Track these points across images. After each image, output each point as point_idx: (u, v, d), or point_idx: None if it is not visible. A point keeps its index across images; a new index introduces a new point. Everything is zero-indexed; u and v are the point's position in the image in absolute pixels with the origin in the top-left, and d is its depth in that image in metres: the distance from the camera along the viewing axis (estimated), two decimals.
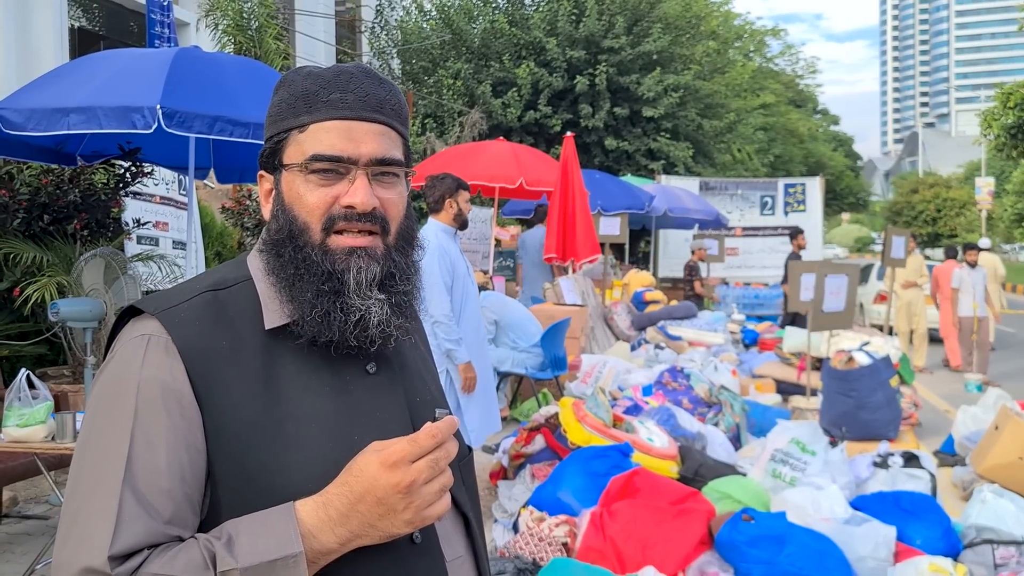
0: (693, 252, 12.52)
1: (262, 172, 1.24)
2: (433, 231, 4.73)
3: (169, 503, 1.04)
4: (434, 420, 1.07)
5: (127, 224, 6.55)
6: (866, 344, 6.11)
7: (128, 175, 6.12)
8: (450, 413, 1.10)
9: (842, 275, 6.00)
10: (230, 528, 1.03)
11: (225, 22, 10.93)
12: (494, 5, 20.04)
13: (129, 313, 1.16)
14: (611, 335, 9.57)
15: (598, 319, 9.40)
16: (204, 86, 4.53)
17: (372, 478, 1.02)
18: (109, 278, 5.13)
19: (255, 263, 1.21)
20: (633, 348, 8.63)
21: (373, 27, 19.67)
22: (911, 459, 4.48)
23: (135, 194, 6.62)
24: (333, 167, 1.16)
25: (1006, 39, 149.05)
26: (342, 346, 1.16)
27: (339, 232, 1.16)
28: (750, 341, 9.95)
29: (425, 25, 20.15)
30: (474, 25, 19.59)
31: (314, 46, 16.84)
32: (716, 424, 5.76)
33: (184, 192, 7.81)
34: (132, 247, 6.77)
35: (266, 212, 1.24)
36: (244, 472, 1.08)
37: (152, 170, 6.42)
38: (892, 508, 3.99)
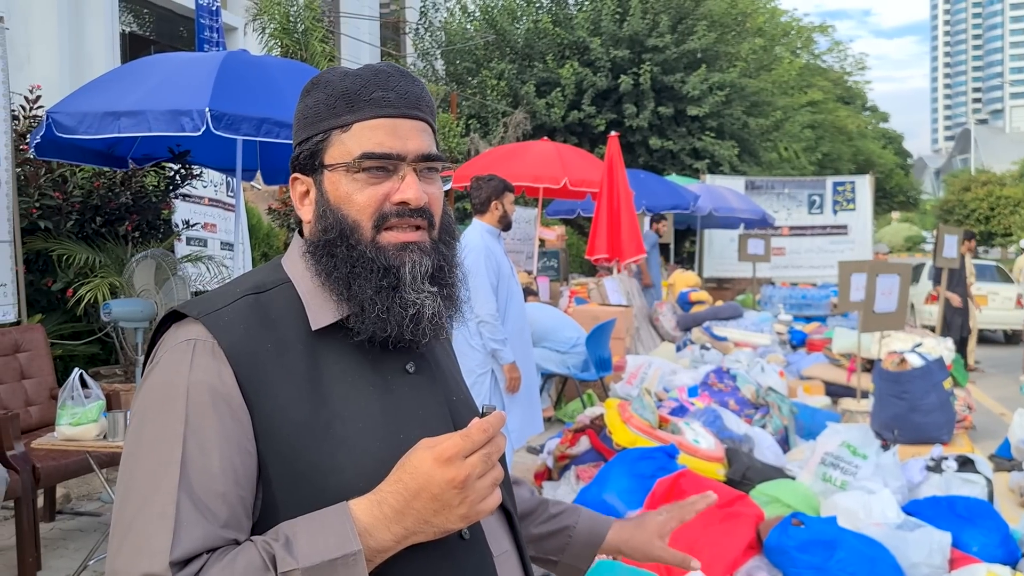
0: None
1: (296, 175, 1.24)
2: (478, 232, 4.72)
3: (224, 506, 1.04)
4: (481, 415, 1.07)
5: (177, 225, 6.66)
6: (919, 345, 5.98)
7: (178, 177, 6.23)
8: (496, 408, 1.10)
9: (894, 275, 5.89)
10: (286, 529, 1.03)
11: (272, 26, 11.07)
12: (538, 5, 20.02)
13: (171, 318, 1.17)
14: (656, 336, 9.49)
15: (643, 320, 9.33)
16: (251, 89, 4.58)
17: (426, 474, 1.02)
18: (159, 279, 5.22)
19: (295, 266, 1.21)
20: (678, 349, 8.55)
21: (417, 28, 19.77)
22: (966, 463, 4.36)
23: (184, 196, 6.73)
24: (382, 165, 1.16)
25: None
26: (391, 343, 1.16)
27: (389, 228, 1.17)
28: (797, 342, 9.80)
29: (469, 26, 20.20)
30: (518, 25, 19.59)
31: (358, 48, 16.97)
32: (763, 426, 5.68)
33: (232, 194, 7.92)
34: (181, 248, 6.88)
35: (303, 213, 1.23)
36: (296, 473, 1.08)
37: (201, 172, 6.51)
38: (947, 514, 3.89)
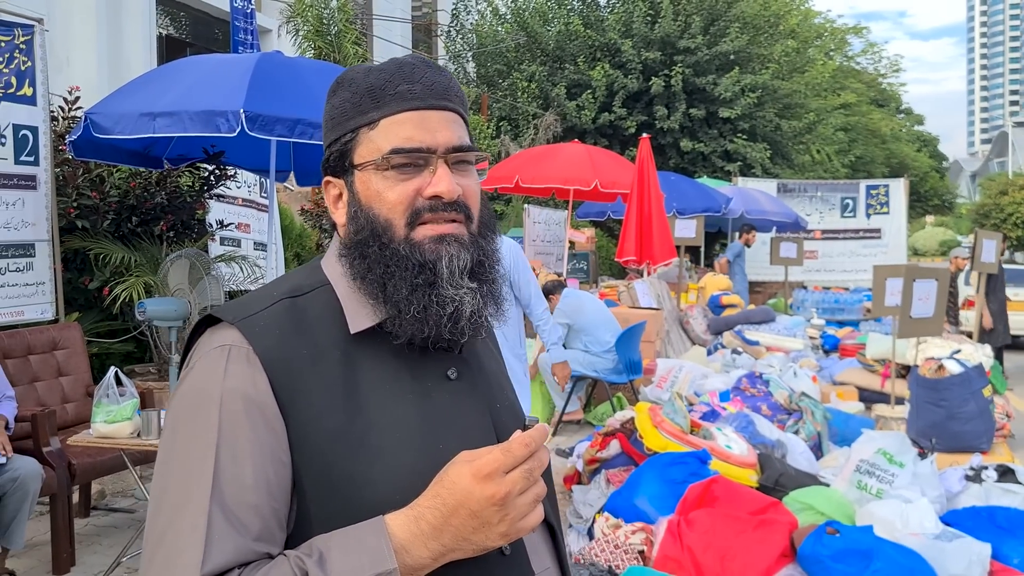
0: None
1: (329, 178, 1.20)
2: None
3: (257, 519, 1.01)
4: (524, 428, 1.03)
5: (211, 225, 6.72)
6: (957, 352, 5.88)
7: (212, 178, 6.28)
8: (539, 420, 1.06)
9: (931, 279, 5.79)
10: (320, 544, 1.00)
11: (306, 28, 11.14)
12: (569, 7, 19.98)
13: (206, 322, 1.14)
14: (687, 339, 9.43)
15: (673, 323, 9.27)
16: (285, 90, 4.60)
17: (465, 490, 0.98)
18: (194, 278, 5.26)
19: (333, 268, 1.18)
20: (709, 353, 8.48)
21: (449, 31, 19.82)
22: (1006, 473, 4.28)
23: (218, 196, 6.79)
24: (412, 160, 1.12)
25: None
26: (431, 345, 1.13)
27: (423, 223, 1.12)
28: (830, 347, 9.67)
29: (500, 28, 20.21)
30: (549, 28, 19.56)
31: (391, 50, 17.05)
32: (796, 432, 5.60)
33: (265, 194, 7.98)
34: (215, 248, 6.94)
35: (338, 217, 1.20)
36: (331, 485, 1.05)
37: (235, 173, 6.56)
38: (986, 524, 3.81)
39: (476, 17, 20.55)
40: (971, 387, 5.14)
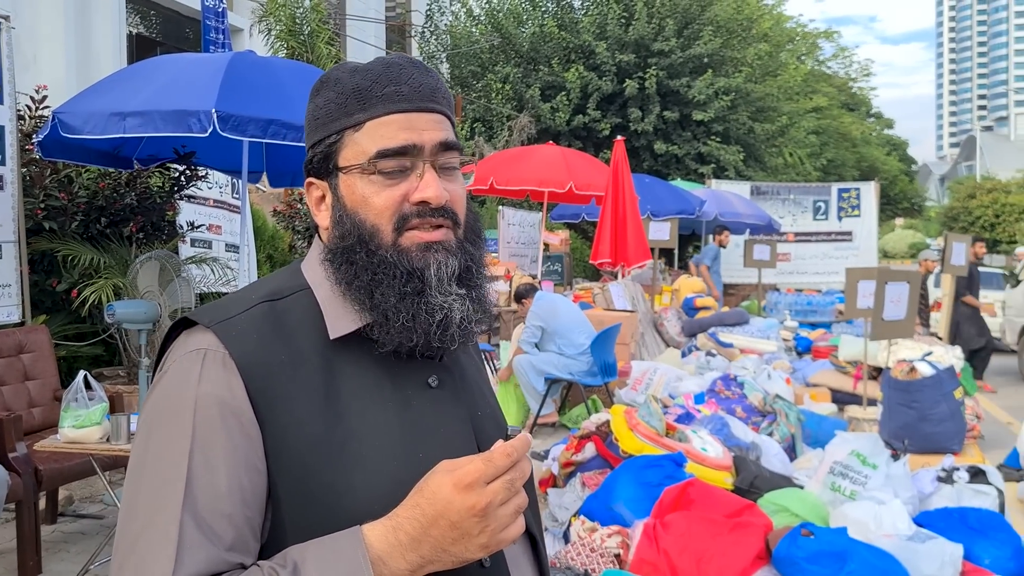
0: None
1: (312, 180, 1.17)
2: None
3: (230, 528, 0.99)
4: (506, 437, 1.01)
5: (181, 227, 6.63)
6: (928, 354, 5.93)
7: (183, 179, 6.20)
8: (522, 430, 1.04)
9: (903, 282, 5.84)
10: (295, 555, 0.98)
11: (278, 27, 11.05)
12: (543, 9, 20.01)
13: (182, 325, 1.11)
14: (661, 341, 9.45)
15: (648, 325, 9.29)
16: (258, 90, 4.55)
17: (445, 500, 0.96)
18: (164, 280, 5.19)
19: (314, 272, 1.15)
20: (684, 355, 8.51)
21: (423, 32, 19.76)
22: (977, 474, 4.32)
23: (189, 197, 6.71)
24: (398, 165, 1.10)
25: None
26: (417, 353, 1.10)
27: (410, 230, 1.10)
28: (803, 349, 9.74)
29: (474, 29, 20.19)
30: (523, 29, 19.58)
31: (364, 50, 16.97)
32: (771, 434, 5.63)
33: (237, 196, 7.90)
34: (186, 250, 6.85)
35: (320, 219, 1.17)
36: (308, 494, 1.02)
37: (206, 173, 6.49)
38: (958, 525, 3.84)
39: (450, 18, 20.51)
40: (942, 389, 5.19)
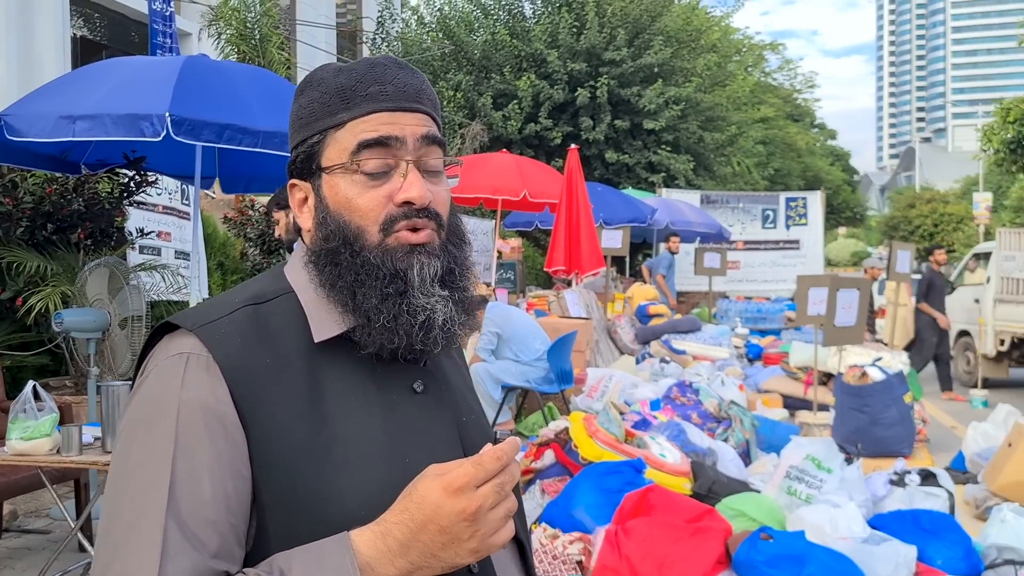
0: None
1: (294, 181, 1.16)
2: None
3: (215, 535, 0.97)
4: (495, 441, 1.01)
5: (131, 234, 6.49)
6: (879, 359, 6.05)
7: (132, 184, 6.07)
8: (511, 434, 1.03)
9: (853, 289, 5.96)
10: (281, 562, 0.96)
11: (229, 32, 10.90)
12: (495, 17, 20.05)
13: (163, 329, 1.09)
14: (615, 348, 9.51)
15: (602, 332, 9.34)
16: (213, 94, 4.48)
17: (435, 505, 0.95)
18: (113, 288, 5.07)
19: (298, 275, 1.14)
20: (638, 362, 8.57)
21: (374, 38, 19.66)
22: (928, 477, 4.42)
23: (139, 203, 6.56)
24: (382, 165, 1.09)
25: (1002, 55, 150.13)
26: (400, 356, 1.09)
27: (396, 232, 1.09)
28: (754, 355, 9.89)
29: (426, 36, 20.15)
30: (474, 36, 19.59)
31: (315, 55, 16.82)
32: (726, 440, 5.69)
33: (187, 202, 7.76)
34: (135, 257, 6.71)
35: (303, 221, 1.15)
36: (294, 500, 1.01)
37: (156, 179, 6.37)
38: (911, 527, 3.92)
39: (401, 25, 20.43)
40: (892, 393, 5.31)
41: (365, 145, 1.08)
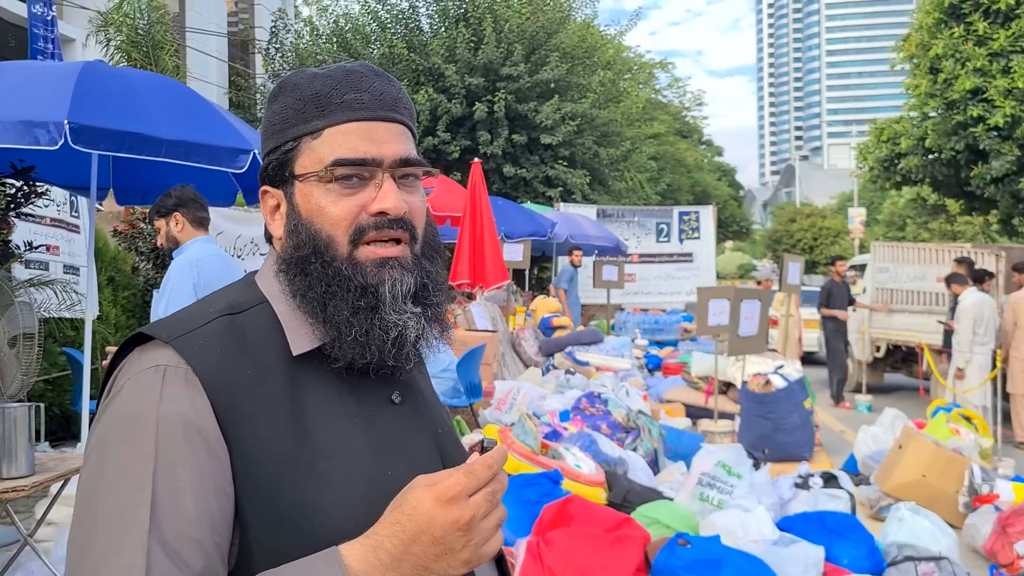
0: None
1: (266, 188, 1.13)
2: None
3: (200, 555, 0.92)
4: (483, 450, 1.00)
5: (17, 247, 6.15)
6: (781, 367, 6.27)
7: (20, 196, 5.75)
8: (497, 442, 1.03)
9: (755, 300, 6.16)
10: None
11: (119, 38, 10.48)
12: (392, 31, 19.95)
13: (134, 341, 1.04)
14: (519, 361, 9.54)
15: (507, 345, 9.37)
16: (114, 101, 4.30)
17: (428, 515, 0.93)
18: (2, 304, 4.79)
19: (270, 285, 1.11)
20: (543, 373, 8.63)
21: (267, 49, 19.28)
22: (830, 479, 4.59)
23: (26, 215, 6.23)
24: (357, 172, 1.07)
25: (872, 78, 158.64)
26: (376, 370, 1.07)
27: (367, 243, 1.07)
28: (654, 366, 10.10)
29: (321, 48, 19.88)
30: (371, 48, 19.44)
31: (206, 63, 16.36)
32: (635, 449, 5.78)
33: (76, 214, 7.42)
34: (20, 272, 6.36)
35: (275, 229, 1.13)
36: (278, 516, 0.97)
37: (46, 190, 6.06)
38: (818, 528, 4.07)
39: (293, 37, 20.08)
40: (794, 399, 5.50)
41: (341, 163, 1.07)
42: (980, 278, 9.45)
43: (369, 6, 20.19)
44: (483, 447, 1.01)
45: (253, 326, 1.06)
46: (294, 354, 1.05)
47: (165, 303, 4.06)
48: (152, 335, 1.02)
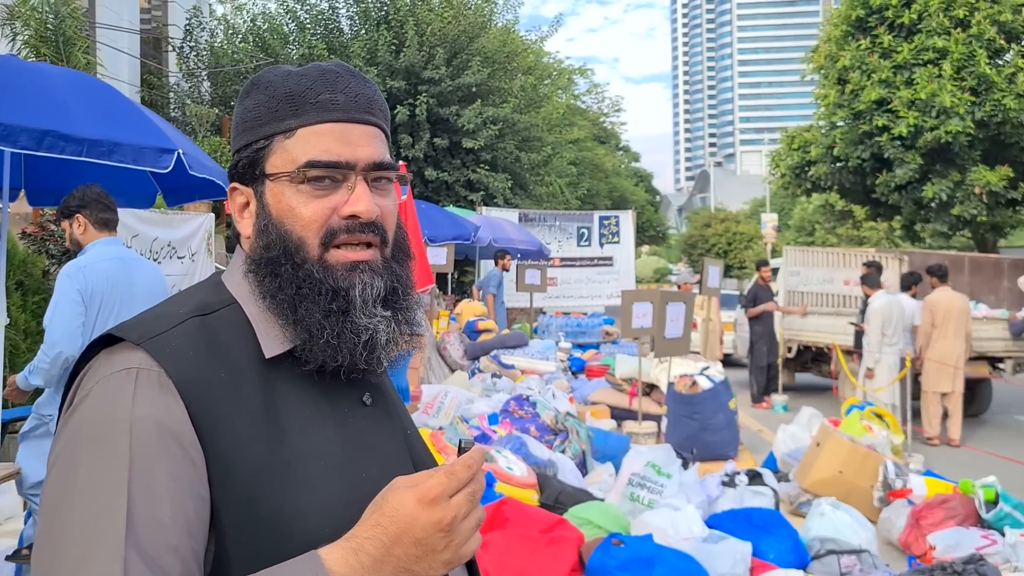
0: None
1: (236, 185, 1.12)
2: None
3: (177, 562, 0.90)
4: (460, 449, 1.00)
5: None
6: (706, 368, 6.41)
7: None
8: (475, 442, 1.03)
9: (680, 303, 6.29)
10: None
11: (27, 33, 10.07)
12: (312, 32, 19.69)
13: (100, 343, 1.01)
14: (444, 365, 9.52)
15: (432, 349, 9.34)
16: (30, 97, 4.12)
17: (410, 517, 0.92)
18: None
19: (239, 286, 1.09)
20: (469, 377, 8.62)
21: (182, 47, 18.80)
22: (755, 477, 4.71)
23: None
24: (329, 174, 1.06)
25: (782, 87, 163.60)
26: (347, 373, 1.07)
27: (337, 246, 1.07)
28: (577, 368, 10.20)
29: (238, 48, 19.49)
30: (290, 49, 19.16)
31: (118, 59, 15.85)
32: (563, 451, 5.83)
33: None
34: None
35: (243, 227, 1.11)
36: (255, 520, 0.95)
37: None
38: (745, 525, 4.18)
39: (207, 36, 19.63)
40: (720, 400, 5.63)
41: (314, 165, 1.06)
42: (908, 285, 9.75)
43: (288, 6, 19.91)
44: (460, 448, 1.01)
45: (224, 328, 1.04)
46: (266, 357, 1.04)
47: (50, 313, 3.92)
48: (121, 336, 0.99)
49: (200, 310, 1.05)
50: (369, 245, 1.09)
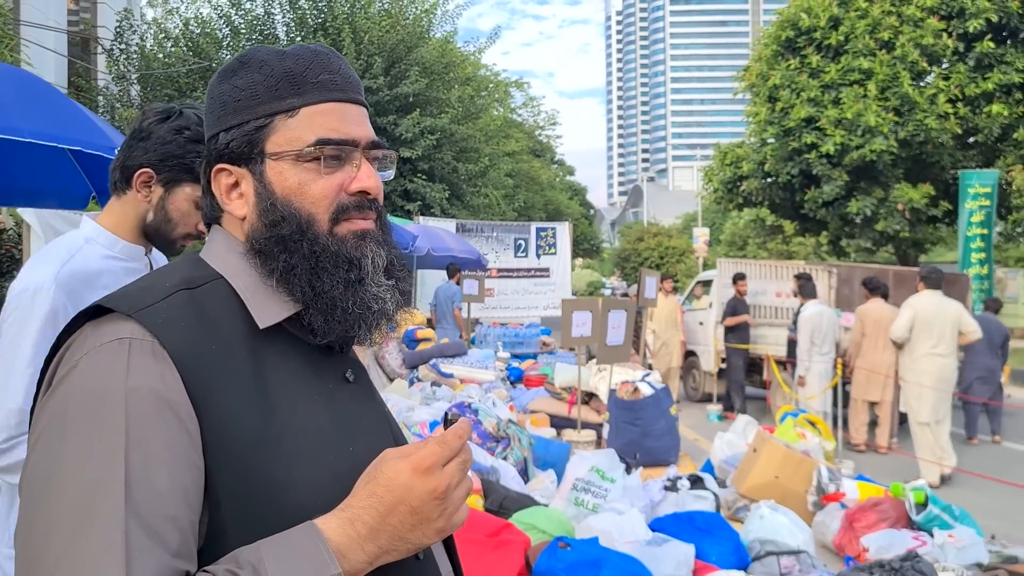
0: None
1: (224, 166, 1.11)
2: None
3: (175, 532, 0.90)
4: (447, 422, 1.03)
5: None
6: (648, 375, 6.50)
7: None
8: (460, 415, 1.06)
9: (622, 311, 6.36)
10: (248, 556, 0.90)
11: None
12: (246, 37, 19.43)
13: (87, 315, 0.99)
14: (383, 374, 9.45)
15: (371, 358, 9.26)
16: None
17: (405, 486, 0.95)
18: None
19: (225, 262, 1.09)
20: (408, 386, 8.58)
21: (111, 49, 18.36)
22: (696, 481, 4.79)
23: None
24: (339, 152, 1.08)
25: (713, 105, 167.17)
26: (341, 346, 1.11)
27: (346, 220, 1.10)
28: (515, 378, 10.23)
29: (170, 50, 19.12)
30: (223, 53, 18.86)
31: (45, 57, 15.42)
32: (505, 458, 5.84)
33: None
34: None
35: (234, 208, 1.11)
36: (249, 492, 0.96)
37: None
38: (687, 528, 4.24)
39: (139, 39, 19.23)
40: (661, 406, 5.71)
41: (326, 143, 1.08)
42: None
43: (222, 10, 19.62)
44: (447, 420, 1.03)
45: (211, 301, 1.04)
46: (261, 327, 1.05)
47: None
48: (112, 307, 0.98)
49: (186, 284, 1.04)
50: (371, 219, 1.12)
